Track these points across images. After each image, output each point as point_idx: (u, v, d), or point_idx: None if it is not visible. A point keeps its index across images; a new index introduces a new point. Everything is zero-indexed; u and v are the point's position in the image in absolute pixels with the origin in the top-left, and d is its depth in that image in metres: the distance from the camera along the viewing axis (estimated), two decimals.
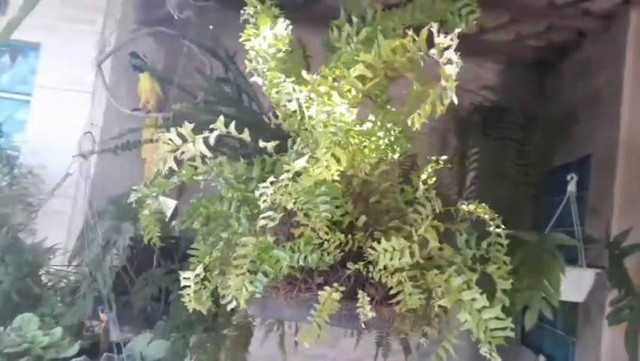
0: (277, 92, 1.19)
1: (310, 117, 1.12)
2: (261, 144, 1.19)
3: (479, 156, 4.05)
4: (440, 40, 1.00)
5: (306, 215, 1.08)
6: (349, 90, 1.17)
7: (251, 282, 1.09)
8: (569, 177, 3.02)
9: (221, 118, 1.22)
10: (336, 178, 1.04)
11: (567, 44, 3.85)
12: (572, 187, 3.03)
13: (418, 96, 1.16)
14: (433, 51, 1.02)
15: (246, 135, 1.23)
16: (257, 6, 1.24)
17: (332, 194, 1.03)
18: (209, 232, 1.29)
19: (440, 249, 1.25)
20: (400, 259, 1.11)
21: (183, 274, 1.23)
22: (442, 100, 1.03)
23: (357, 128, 1.13)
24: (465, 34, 3.93)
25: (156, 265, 1.78)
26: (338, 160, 1.03)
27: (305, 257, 1.09)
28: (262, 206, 1.13)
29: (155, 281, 1.67)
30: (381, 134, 1.34)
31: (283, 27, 1.19)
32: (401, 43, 1.04)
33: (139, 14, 2.63)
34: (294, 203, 1.06)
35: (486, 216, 1.38)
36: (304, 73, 1.21)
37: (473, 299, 1.09)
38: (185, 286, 1.22)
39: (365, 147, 1.25)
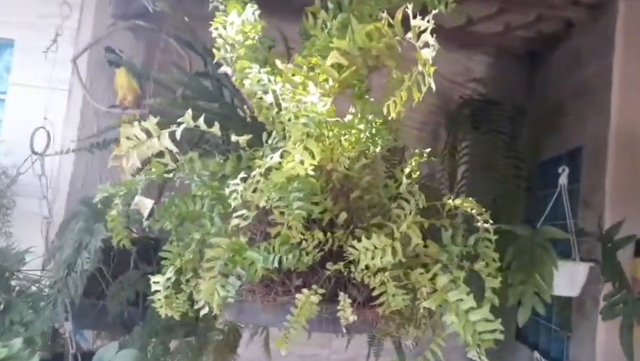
0: (248, 82, 1.12)
1: (283, 109, 1.05)
2: (234, 138, 1.12)
3: (469, 149, 4.01)
4: (416, 22, 0.93)
5: (281, 213, 1.01)
6: (326, 80, 1.10)
7: (223, 286, 1.02)
8: (560, 170, 2.97)
9: (189, 112, 1.14)
10: (311, 173, 0.97)
11: (556, 35, 3.81)
12: (563, 180, 2.98)
13: (397, 85, 1.09)
14: (409, 35, 0.95)
15: (215, 129, 1.16)
16: None
17: (306, 190, 0.96)
18: (182, 233, 1.22)
19: (425, 246, 1.19)
20: (381, 258, 1.04)
21: (153, 278, 1.16)
22: (419, 86, 0.96)
23: (333, 119, 1.06)
24: (454, 26, 3.87)
25: (133, 268, 1.71)
26: (311, 154, 0.97)
27: (280, 258, 1.02)
28: (233, 204, 1.06)
29: (131, 285, 1.60)
30: (361, 126, 1.27)
31: (251, 12, 1.12)
32: (376, 27, 0.97)
33: (115, 8, 2.54)
34: (267, 200, 0.99)
35: (473, 211, 1.32)
36: (278, 62, 1.14)
37: (459, 300, 1.03)
38: (155, 291, 1.15)
39: (344, 139, 1.19)
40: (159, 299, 1.15)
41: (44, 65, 2.61)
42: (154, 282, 1.16)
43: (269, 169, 0.99)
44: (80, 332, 1.41)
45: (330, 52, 1.03)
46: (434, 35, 0.98)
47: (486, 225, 1.31)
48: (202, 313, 1.10)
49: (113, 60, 2.29)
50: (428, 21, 0.96)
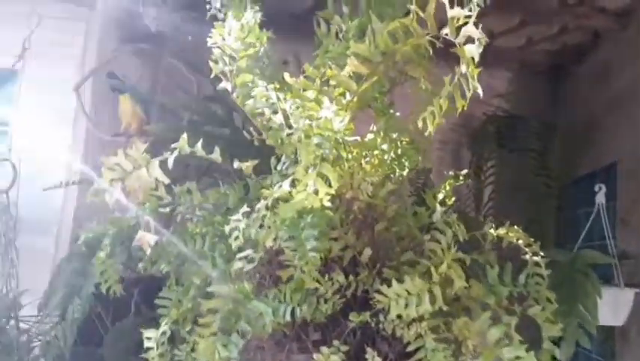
0: (250, 99, 0.96)
1: (293, 128, 0.88)
2: (236, 165, 0.95)
3: (495, 169, 3.81)
4: (455, 12, 0.76)
5: (293, 253, 0.83)
6: (342, 93, 0.93)
7: (224, 345, 0.84)
8: (597, 188, 2.76)
9: (184, 137, 0.99)
10: (328, 204, 0.80)
11: (582, 47, 3.63)
12: (600, 198, 2.77)
13: (427, 97, 0.92)
14: (445, 30, 0.78)
15: (215, 156, 1.00)
16: None
17: (322, 225, 0.79)
18: (181, 276, 1.05)
19: (467, 288, 1.00)
20: (417, 306, 0.86)
21: (145, 333, 0.98)
22: (463, 92, 0.79)
23: (352, 139, 0.89)
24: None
25: (135, 313, 1.54)
26: (327, 180, 0.79)
27: (293, 309, 0.84)
28: (234, 244, 0.89)
29: (131, 333, 1.42)
30: (385, 146, 1.10)
31: (251, 15, 0.96)
32: (401, 25, 0.80)
33: (119, 32, 2.43)
34: (275, 239, 0.82)
35: (520, 242, 1.12)
36: (287, 75, 0.98)
37: (517, 358, 0.83)
38: (148, 348, 0.98)
39: (366, 162, 1.01)
40: (153, 358, 0.97)
41: (49, 94, 2.51)
42: (146, 337, 0.98)
43: (277, 201, 0.82)
44: None
45: (347, 59, 0.86)
46: (479, 28, 0.81)
47: (536, 258, 1.11)
48: None
49: (115, 86, 2.16)
50: (470, 10, 0.78)
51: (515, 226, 3.63)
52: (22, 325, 1.53)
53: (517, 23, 3.42)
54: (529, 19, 3.39)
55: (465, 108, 0.88)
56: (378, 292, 0.88)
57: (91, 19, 2.51)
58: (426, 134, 1.27)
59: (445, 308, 0.88)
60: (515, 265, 1.16)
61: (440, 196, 1.10)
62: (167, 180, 0.96)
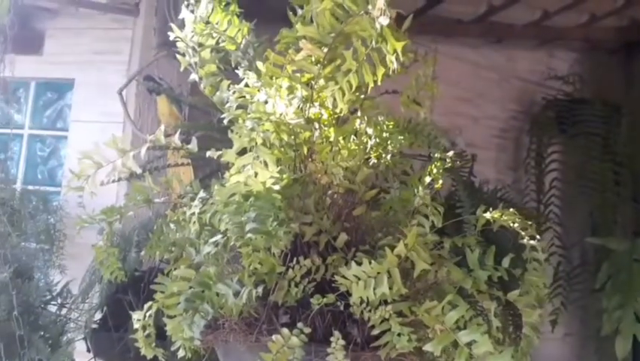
0: (215, 90, 0.98)
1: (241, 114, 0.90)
2: (208, 154, 0.98)
3: (557, 155, 3.61)
4: None
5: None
6: (311, 78, 0.93)
7: (189, 325, 0.87)
8: None
9: (161, 128, 1.03)
10: (275, 188, 0.81)
11: None
12: None
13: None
14: (369, 7, 0.76)
15: (193, 145, 1.03)
16: None
17: (266, 209, 0.80)
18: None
19: (448, 272, 0.96)
20: (375, 288, 0.84)
21: (134, 315, 1.04)
22: (374, 68, 0.77)
23: (294, 121, 0.89)
24: (528, 22, 3.52)
25: None
26: (265, 164, 0.80)
27: (249, 292, 0.86)
28: (192, 229, 0.92)
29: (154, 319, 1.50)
30: (370, 130, 1.08)
31: (204, 7, 0.99)
32: (336, 3, 0.79)
33: (159, 38, 2.56)
34: (225, 224, 0.83)
35: (516, 225, 1.07)
36: (259, 64, 0.99)
37: (473, 341, 0.80)
38: (136, 329, 1.04)
39: (342, 147, 1.01)
40: (140, 338, 1.03)
41: (102, 100, 2.69)
42: (136, 319, 1.04)
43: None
44: None
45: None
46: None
47: (532, 242, 1.05)
48: (179, 355, 0.96)
49: (151, 88, 2.28)
50: None
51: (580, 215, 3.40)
52: (64, 310, 1.67)
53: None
54: None
55: (379, 83, 0.85)
56: (341, 274, 0.88)
57: (135, 27, 2.66)
58: (423, 116, 1.24)
59: (403, 291, 0.86)
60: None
61: (427, 179, 1.07)
62: (139, 171, 1.01)
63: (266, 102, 0.89)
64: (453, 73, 3.53)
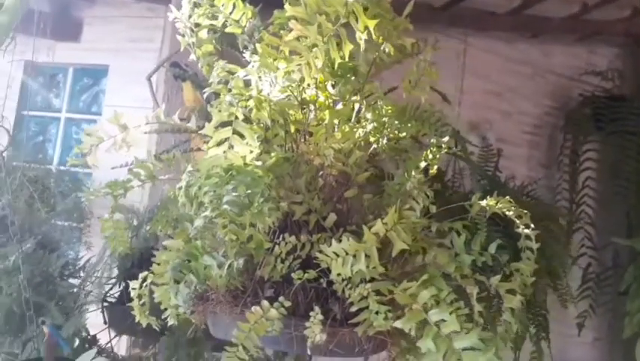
0: (212, 69, 1.02)
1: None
2: (202, 132, 1.02)
3: (593, 154, 3.50)
4: None
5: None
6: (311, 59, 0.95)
7: (175, 294, 0.91)
8: None
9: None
10: (256, 163, 0.83)
11: None
12: None
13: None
14: None
15: (191, 124, 1.07)
16: None
17: (246, 183, 0.82)
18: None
19: (434, 256, 0.97)
20: (352, 266, 0.86)
21: (131, 284, 1.09)
22: (339, 44, 0.77)
23: (276, 99, 0.91)
24: (566, 15, 3.40)
25: None
26: (243, 138, 0.83)
27: (230, 265, 0.89)
28: (180, 202, 0.96)
29: None
30: (369, 115, 1.10)
31: None
32: None
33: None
34: (207, 195, 0.86)
35: (510, 213, 1.06)
36: (257, 45, 1.02)
37: (441, 320, 0.80)
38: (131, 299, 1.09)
39: (336, 129, 1.03)
40: (135, 307, 1.08)
41: (134, 86, 2.78)
42: (132, 288, 1.09)
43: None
44: (59, 337, 1.41)
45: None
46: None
47: (527, 231, 1.04)
48: (169, 323, 1.01)
49: (176, 74, 2.34)
50: None
51: (614, 215, 3.30)
52: (79, 282, 1.76)
53: None
54: None
55: (347, 59, 0.85)
56: (319, 251, 0.90)
57: (167, 16, 2.73)
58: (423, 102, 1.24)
59: (381, 270, 0.87)
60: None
61: (422, 164, 1.08)
62: (133, 145, 1.06)
63: (251, 80, 0.92)
64: (485, 66, 3.48)
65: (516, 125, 3.65)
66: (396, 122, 1.10)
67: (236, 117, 0.84)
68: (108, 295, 1.71)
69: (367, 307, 0.89)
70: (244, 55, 1.21)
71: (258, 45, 1.01)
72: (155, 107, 2.60)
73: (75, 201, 2.30)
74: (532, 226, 1.05)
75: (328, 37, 0.80)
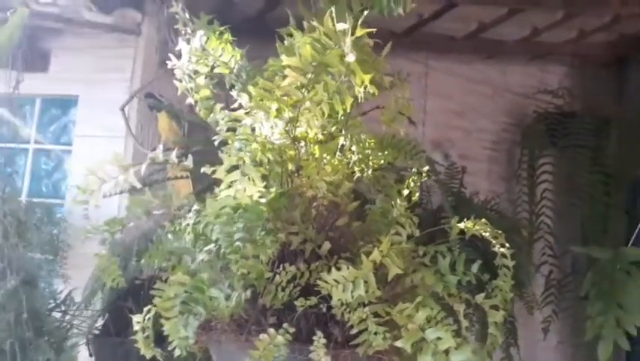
0: (209, 112, 1.08)
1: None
2: (203, 170, 1.08)
3: (548, 167, 3.70)
4: (339, 26, 0.84)
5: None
6: (296, 102, 1.03)
7: (184, 326, 0.96)
8: None
9: (160, 148, 1.13)
10: (261, 200, 0.90)
11: None
12: None
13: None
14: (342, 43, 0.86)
15: (189, 162, 1.13)
16: (192, 21, 1.15)
17: (253, 220, 0.89)
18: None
19: (422, 277, 1.06)
20: (352, 291, 0.93)
21: (135, 318, 1.13)
22: (342, 97, 0.86)
23: (278, 142, 0.99)
24: (518, 38, 3.61)
25: None
26: (252, 181, 0.89)
27: (239, 295, 0.95)
28: (187, 239, 1.01)
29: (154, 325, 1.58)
30: (354, 148, 1.18)
31: (199, 38, 1.09)
32: (314, 39, 0.89)
33: (159, 56, 2.67)
34: (216, 234, 0.93)
35: (486, 234, 1.16)
36: (250, 88, 1.09)
37: (438, 338, 0.88)
38: (135, 331, 1.12)
39: (326, 163, 1.10)
40: (139, 340, 1.12)
41: (105, 115, 2.79)
42: (136, 321, 1.13)
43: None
44: None
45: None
46: (374, 39, 0.88)
47: (502, 250, 1.14)
48: (175, 354, 1.05)
49: (152, 105, 2.39)
50: (346, 22, 0.86)
51: (571, 224, 3.47)
52: (67, 316, 1.76)
53: (561, 17, 3.31)
54: (574, 11, 3.27)
55: (347, 110, 0.94)
56: (320, 279, 0.97)
57: (137, 46, 2.77)
58: (402, 133, 1.34)
59: (378, 294, 0.95)
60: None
61: (405, 192, 1.17)
62: (139, 186, 1.11)
63: (252, 127, 0.99)
64: (446, 87, 3.65)
65: (476, 142, 3.82)
66: (379, 153, 1.19)
67: (244, 161, 0.91)
68: (92, 327, 1.72)
69: (366, 329, 0.96)
70: (231, 93, 1.29)
71: (251, 87, 1.08)
72: (130, 137, 2.63)
73: (50, 233, 2.29)
74: (507, 245, 1.15)
75: (332, 93, 0.88)
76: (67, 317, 1.73)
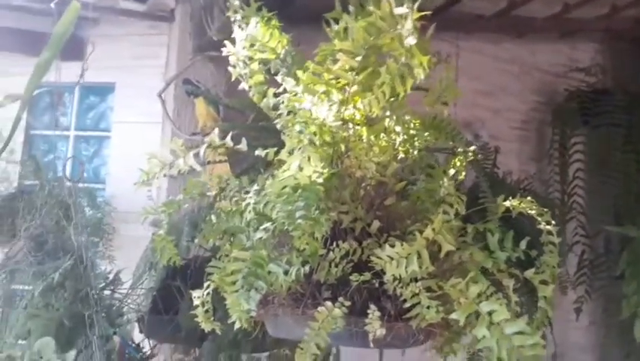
0: (262, 97, 1.12)
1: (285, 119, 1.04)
2: (257, 152, 1.12)
3: (580, 146, 3.66)
4: (399, 10, 0.86)
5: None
6: (345, 85, 1.07)
7: (246, 300, 1.02)
8: None
9: (216, 131, 1.18)
10: (319, 180, 0.94)
11: None
12: None
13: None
14: (400, 26, 0.89)
15: (243, 145, 1.18)
16: (243, 9, 1.19)
17: (312, 199, 0.93)
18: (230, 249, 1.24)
19: (471, 254, 1.09)
20: (406, 267, 0.97)
21: (193, 293, 1.20)
22: (403, 80, 0.89)
23: (334, 123, 1.02)
24: (548, 15, 3.57)
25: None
26: (309, 160, 0.93)
27: (297, 270, 1.00)
28: (248, 217, 1.06)
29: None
30: (398, 128, 1.21)
31: (254, 25, 1.12)
32: (369, 23, 0.92)
33: (193, 42, 2.72)
34: (277, 213, 0.97)
35: (532, 212, 1.18)
36: (300, 73, 1.13)
37: (492, 311, 0.92)
38: (196, 306, 1.19)
39: (374, 144, 1.14)
40: (199, 314, 1.18)
41: (141, 102, 2.86)
42: (195, 297, 1.19)
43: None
44: (128, 344, 1.50)
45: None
46: (421, 21, 0.90)
47: (548, 227, 1.17)
48: (235, 327, 1.11)
49: (189, 91, 2.44)
50: (407, 6, 0.88)
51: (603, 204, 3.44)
52: (117, 295, 1.84)
53: None
54: None
55: (407, 92, 0.97)
56: (376, 255, 1.01)
57: (171, 33, 2.83)
58: (446, 114, 1.36)
59: (431, 269, 0.99)
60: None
61: (451, 172, 1.20)
62: (199, 168, 1.16)
63: (310, 109, 1.03)
64: (475, 67, 3.62)
65: (506, 121, 3.80)
66: (425, 133, 1.22)
67: (304, 143, 0.95)
68: (143, 306, 1.80)
69: (419, 303, 1.00)
70: (275, 77, 1.32)
71: (300, 72, 1.12)
72: (167, 122, 2.69)
73: (94, 216, 2.38)
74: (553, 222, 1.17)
75: (393, 76, 0.91)
76: (119, 296, 1.81)
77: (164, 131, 2.80)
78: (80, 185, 2.91)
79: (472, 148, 1.18)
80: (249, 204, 1.05)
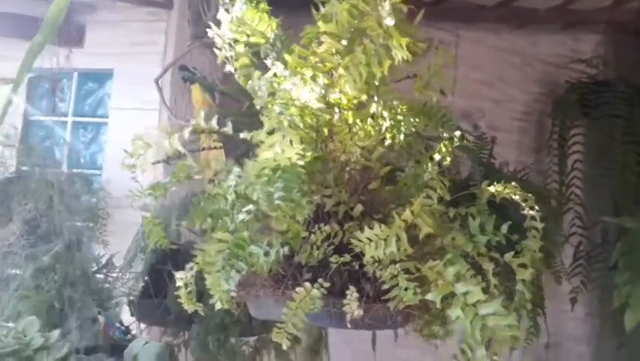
0: (248, 79, 1.13)
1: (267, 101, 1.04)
2: (241, 135, 1.13)
3: (580, 138, 3.66)
4: None
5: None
6: (331, 68, 1.07)
7: (226, 280, 1.03)
8: None
9: (202, 115, 1.18)
10: (299, 163, 0.95)
11: None
12: None
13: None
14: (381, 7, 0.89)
15: (228, 128, 1.18)
16: None
17: (292, 180, 0.93)
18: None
19: (453, 238, 1.10)
20: (384, 249, 0.98)
21: (177, 274, 1.21)
22: (380, 60, 0.89)
23: (316, 106, 1.02)
24: (551, 6, 3.55)
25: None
26: (291, 142, 0.94)
27: (277, 251, 1.01)
28: (229, 199, 1.07)
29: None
30: (386, 114, 1.21)
31: (239, 6, 1.12)
32: (351, 5, 0.92)
33: (191, 29, 2.72)
34: (256, 194, 0.98)
35: (516, 197, 1.18)
36: (287, 56, 1.13)
37: (467, 292, 0.93)
38: (178, 287, 1.20)
39: (359, 129, 1.14)
40: (182, 295, 1.19)
41: (139, 88, 2.86)
42: (178, 278, 1.20)
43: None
44: (113, 325, 1.52)
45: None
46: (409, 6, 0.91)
47: (532, 212, 1.17)
48: (216, 308, 1.12)
49: (185, 77, 2.45)
50: None
51: (601, 195, 3.45)
52: (109, 279, 1.86)
53: None
54: None
55: (384, 73, 0.97)
56: (354, 237, 1.02)
57: (169, 19, 2.83)
58: (435, 100, 1.36)
59: (410, 251, 1.00)
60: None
61: (436, 157, 1.20)
62: (183, 150, 1.17)
63: (291, 90, 1.03)
64: (476, 57, 3.61)
65: (506, 112, 3.79)
66: (412, 119, 1.22)
67: (284, 124, 0.95)
68: (133, 289, 1.82)
69: (397, 285, 1.01)
70: (265, 62, 1.32)
71: (286, 55, 1.12)
72: (164, 109, 2.70)
73: (89, 202, 2.40)
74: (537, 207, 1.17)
75: (369, 56, 0.91)
76: (110, 279, 1.83)
77: (161, 118, 2.81)
78: (76, 171, 2.95)
79: (458, 134, 1.17)
80: (230, 186, 1.06)
